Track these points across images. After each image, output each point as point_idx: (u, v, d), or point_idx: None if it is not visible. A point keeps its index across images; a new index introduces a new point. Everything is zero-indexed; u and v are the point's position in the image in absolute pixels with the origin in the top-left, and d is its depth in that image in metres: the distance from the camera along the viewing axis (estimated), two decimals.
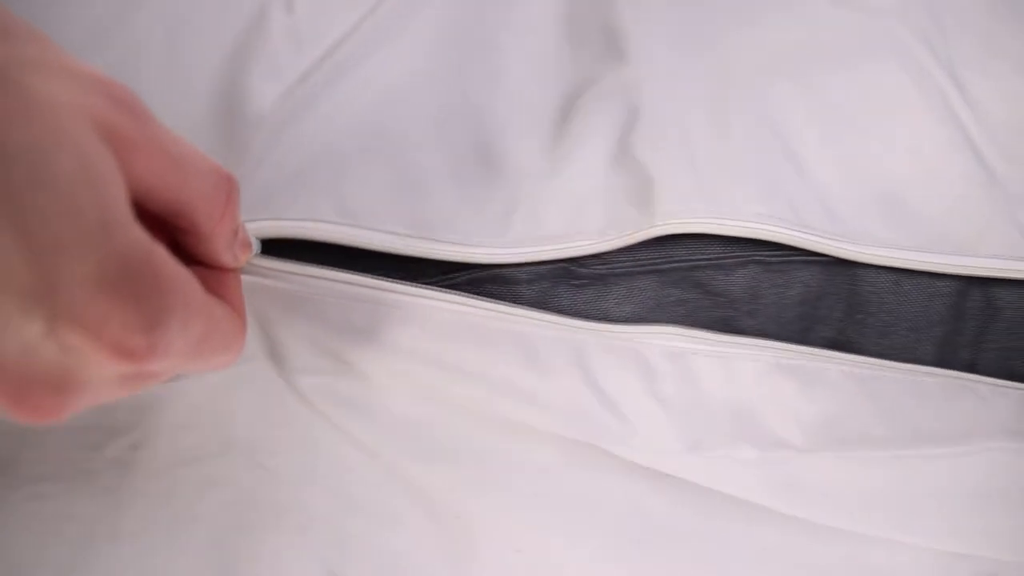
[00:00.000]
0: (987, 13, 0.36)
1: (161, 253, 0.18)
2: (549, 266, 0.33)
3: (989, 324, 0.35)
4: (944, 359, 0.35)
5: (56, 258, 0.16)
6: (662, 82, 0.34)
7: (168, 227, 0.20)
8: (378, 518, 0.33)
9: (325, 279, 0.30)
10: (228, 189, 0.20)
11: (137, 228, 0.17)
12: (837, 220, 0.33)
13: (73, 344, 0.17)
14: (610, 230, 0.32)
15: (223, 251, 0.22)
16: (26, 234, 0.15)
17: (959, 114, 0.34)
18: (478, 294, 0.31)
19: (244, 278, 0.25)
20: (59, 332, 0.16)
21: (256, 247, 0.27)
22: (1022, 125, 0.35)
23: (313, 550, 0.32)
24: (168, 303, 0.18)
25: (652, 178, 0.32)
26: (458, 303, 0.31)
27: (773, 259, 0.34)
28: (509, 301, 0.31)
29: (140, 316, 0.17)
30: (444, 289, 0.31)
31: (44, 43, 0.17)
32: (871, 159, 0.34)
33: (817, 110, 0.34)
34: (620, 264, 0.33)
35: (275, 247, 0.30)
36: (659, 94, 0.33)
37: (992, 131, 0.34)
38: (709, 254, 0.34)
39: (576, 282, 0.33)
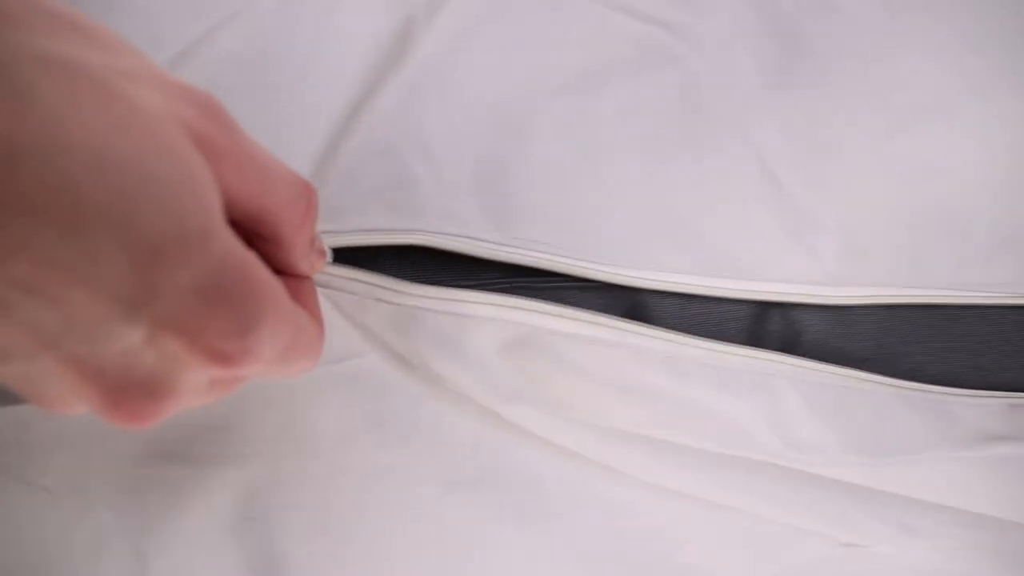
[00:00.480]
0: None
1: (254, 260, 0.18)
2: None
3: (791, 348, 0.34)
4: None
5: (158, 265, 0.16)
6: None
7: (248, 235, 0.21)
8: None
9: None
10: (308, 197, 0.21)
11: (232, 235, 0.18)
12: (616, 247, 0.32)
13: (171, 350, 0.17)
14: None
15: (301, 259, 0.22)
16: (131, 242, 0.15)
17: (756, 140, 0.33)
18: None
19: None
20: (159, 338, 0.16)
21: (329, 256, 0.27)
22: (821, 150, 0.33)
23: None
24: (261, 310, 0.18)
25: None
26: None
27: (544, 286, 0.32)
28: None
29: (236, 322, 0.17)
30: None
31: (138, 54, 0.18)
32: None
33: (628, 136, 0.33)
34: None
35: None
36: None
37: (792, 157, 0.33)
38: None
39: None
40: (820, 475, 0.33)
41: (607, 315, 0.31)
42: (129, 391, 0.17)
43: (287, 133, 0.30)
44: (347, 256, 0.30)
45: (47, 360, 0.16)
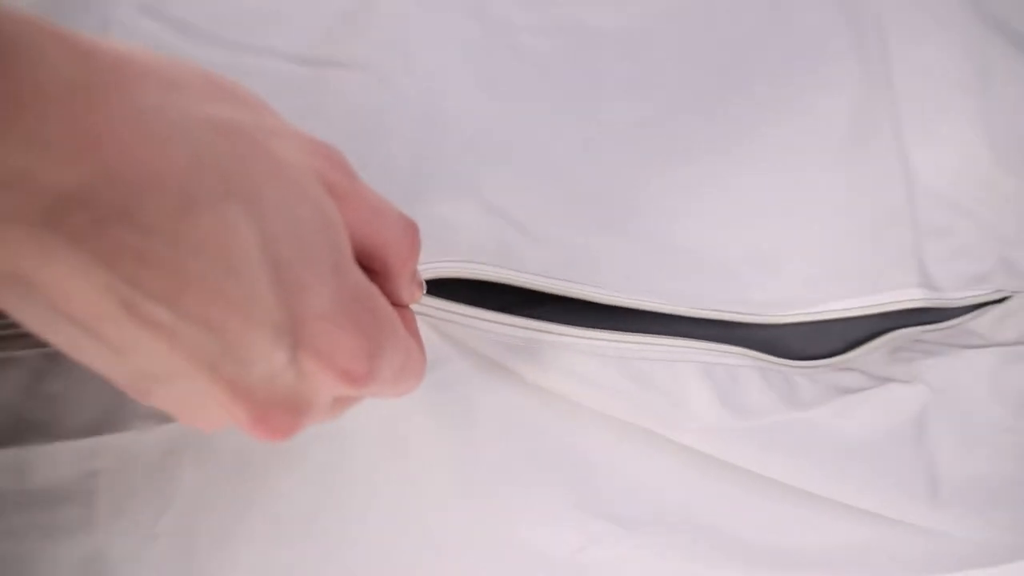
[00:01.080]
0: None
1: (377, 291, 0.21)
2: None
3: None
4: None
5: (301, 295, 0.18)
6: None
7: (361, 269, 0.23)
8: None
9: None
10: (413, 234, 0.23)
11: (358, 269, 0.20)
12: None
13: (310, 370, 0.19)
14: None
15: (404, 290, 0.24)
16: (280, 274, 0.18)
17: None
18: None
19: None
20: (300, 360, 0.19)
21: (424, 287, 0.29)
22: None
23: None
24: (384, 335, 0.20)
25: None
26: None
27: None
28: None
29: (364, 345, 0.19)
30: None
31: (275, 113, 0.20)
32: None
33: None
34: None
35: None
36: None
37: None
38: None
39: None
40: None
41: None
42: (273, 408, 0.19)
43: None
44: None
45: (205, 381, 0.18)
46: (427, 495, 0.33)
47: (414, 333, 0.25)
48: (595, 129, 0.35)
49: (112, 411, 0.29)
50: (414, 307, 0.31)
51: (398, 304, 0.25)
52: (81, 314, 0.16)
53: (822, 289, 0.36)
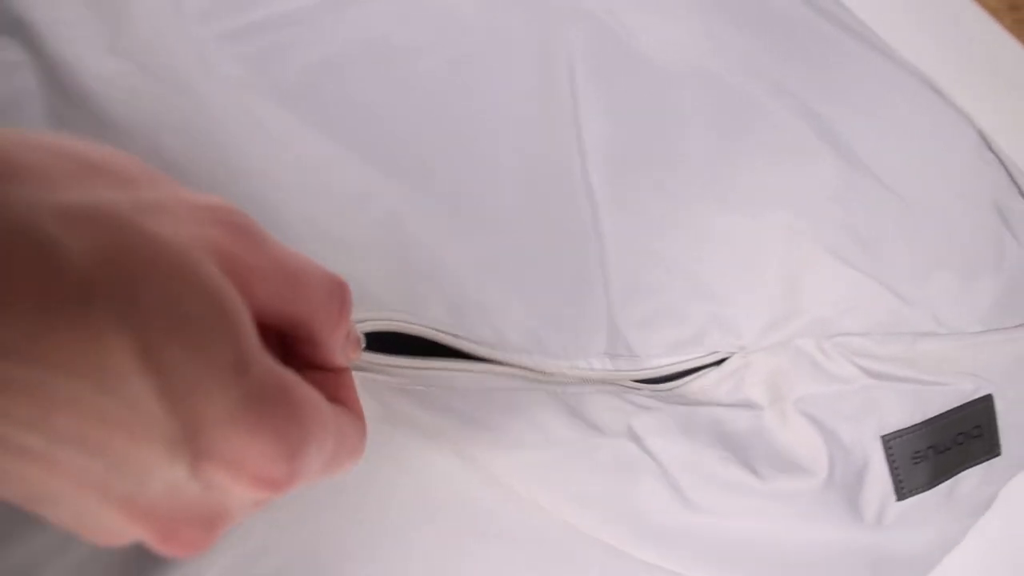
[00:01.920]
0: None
1: (293, 379, 0.18)
2: None
3: None
4: None
5: (195, 401, 0.16)
6: None
7: (280, 336, 0.20)
8: None
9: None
10: (341, 297, 0.20)
11: (268, 357, 0.17)
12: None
13: (217, 481, 0.17)
14: None
15: (337, 354, 0.21)
16: (166, 382, 0.15)
17: None
18: None
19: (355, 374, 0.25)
20: (203, 472, 0.16)
21: (362, 342, 0.27)
22: None
23: None
24: (304, 429, 0.18)
25: None
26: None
27: None
28: None
29: (280, 446, 0.17)
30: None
31: (160, 181, 0.18)
32: None
33: None
34: None
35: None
36: None
37: None
38: None
39: None
40: None
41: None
42: (180, 524, 0.17)
43: None
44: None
45: (95, 503, 0.16)
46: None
47: (351, 398, 0.22)
48: None
49: None
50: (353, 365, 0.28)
51: (330, 368, 0.22)
52: None
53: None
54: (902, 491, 0.31)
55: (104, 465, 0.15)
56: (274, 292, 0.18)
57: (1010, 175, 0.34)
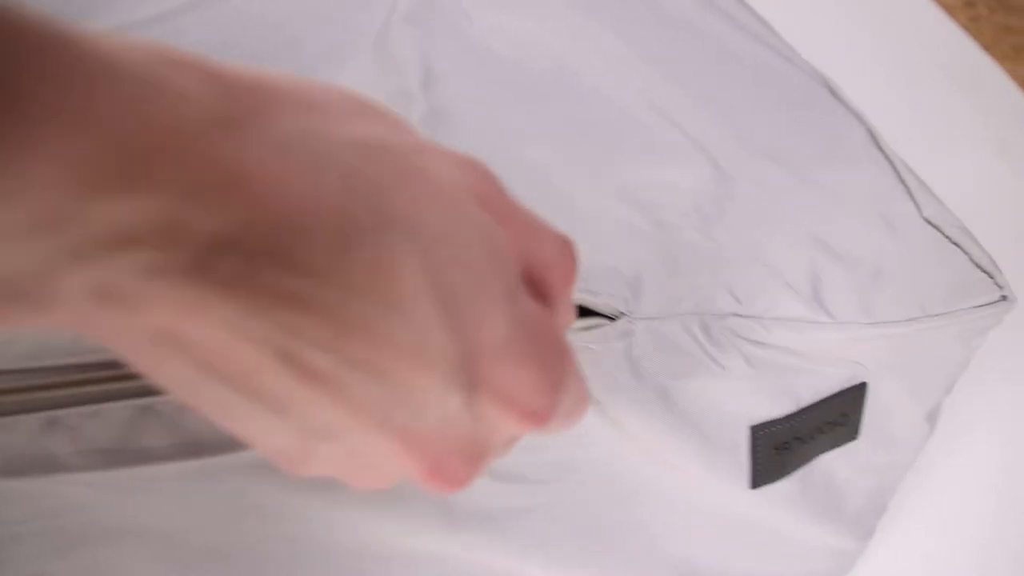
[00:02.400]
0: None
1: (549, 317, 0.19)
2: None
3: None
4: None
5: (476, 330, 0.16)
6: None
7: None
8: None
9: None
10: (571, 253, 0.20)
11: (527, 295, 0.18)
12: None
13: (487, 412, 0.17)
14: None
15: (564, 314, 0.21)
16: (451, 307, 0.16)
17: None
18: None
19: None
20: (477, 401, 0.17)
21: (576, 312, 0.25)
22: None
23: None
24: (564, 364, 0.18)
25: None
26: None
27: None
28: None
29: (544, 377, 0.17)
30: None
31: (417, 131, 0.18)
32: None
33: None
34: None
35: None
36: None
37: None
38: None
39: None
40: None
41: None
42: (449, 456, 0.17)
43: None
44: None
45: (374, 434, 0.16)
46: None
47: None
48: None
49: None
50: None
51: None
52: (235, 370, 0.15)
53: None
54: (757, 480, 0.31)
55: (387, 392, 0.16)
56: (520, 239, 0.19)
57: (898, 174, 0.34)
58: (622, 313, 0.28)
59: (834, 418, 0.31)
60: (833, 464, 0.33)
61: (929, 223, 0.32)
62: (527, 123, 0.32)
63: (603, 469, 0.30)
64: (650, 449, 0.29)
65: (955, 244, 0.32)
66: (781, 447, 0.30)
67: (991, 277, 0.31)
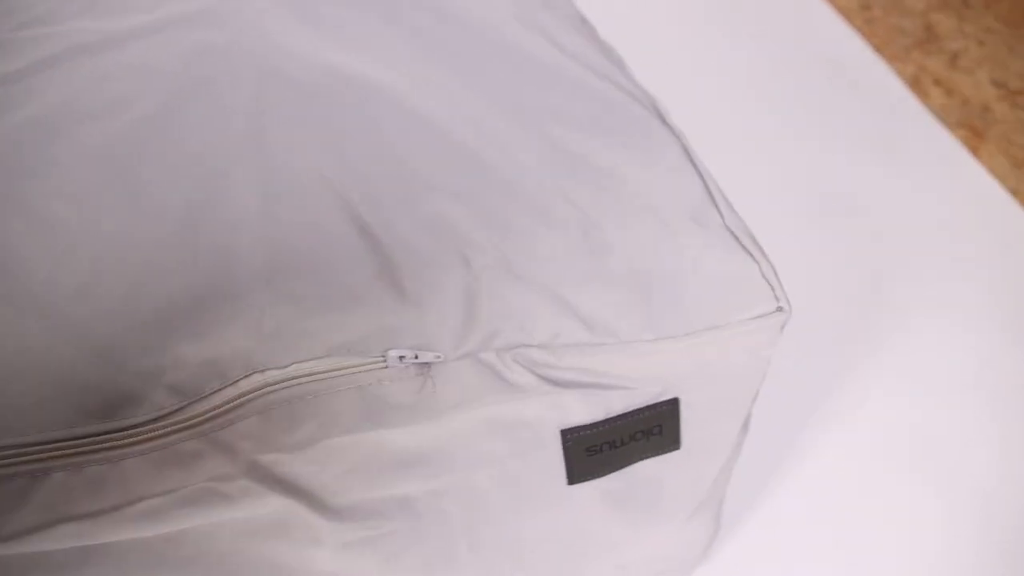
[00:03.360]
0: None
1: None
2: None
3: None
4: None
5: None
6: None
7: None
8: None
9: None
10: None
11: None
12: None
13: None
14: None
15: None
16: None
17: None
18: None
19: None
20: None
21: None
22: None
23: None
24: None
25: None
26: None
27: None
28: None
29: None
30: None
31: None
32: None
33: None
34: None
35: None
36: None
37: None
38: None
39: None
40: None
41: None
42: None
43: None
44: None
45: None
46: None
47: None
48: None
49: None
50: None
51: None
52: None
53: None
54: (572, 477, 0.34)
55: None
56: None
57: (705, 184, 0.36)
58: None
59: (649, 428, 0.33)
60: (655, 467, 0.35)
61: (728, 230, 0.34)
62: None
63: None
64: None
65: (747, 252, 0.33)
66: (592, 449, 0.34)
67: (772, 288, 0.32)
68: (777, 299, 0.33)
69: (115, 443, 0.27)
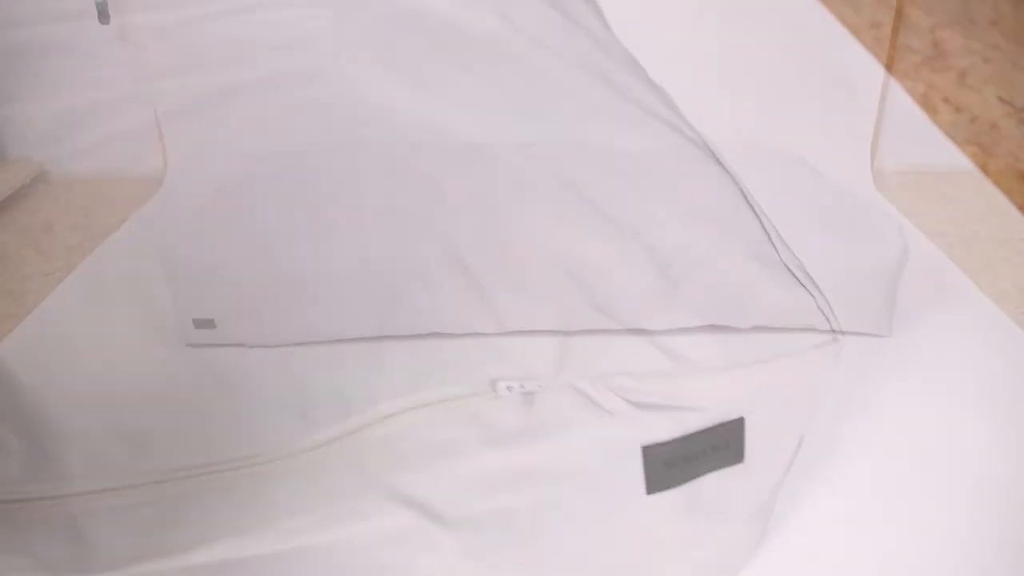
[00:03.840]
0: None
1: None
2: None
3: None
4: None
5: None
6: None
7: None
8: None
9: None
10: None
11: None
12: None
13: None
14: None
15: None
16: None
17: None
18: None
19: None
20: None
21: None
22: None
23: None
24: None
25: None
26: None
27: None
28: None
29: None
30: None
31: None
32: None
33: None
34: None
35: None
36: None
37: None
38: None
39: None
40: None
41: None
42: None
43: None
44: None
45: None
46: None
47: None
48: None
49: None
50: None
51: None
52: None
53: None
54: (651, 487, 0.39)
55: None
56: None
57: (763, 227, 0.39)
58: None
59: (718, 443, 0.37)
60: (720, 479, 0.39)
61: (785, 267, 0.38)
62: None
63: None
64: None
65: (804, 287, 0.37)
66: (670, 463, 0.38)
67: (827, 320, 0.37)
68: (832, 329, 0.36)
69: (258, 463, 0.31)
